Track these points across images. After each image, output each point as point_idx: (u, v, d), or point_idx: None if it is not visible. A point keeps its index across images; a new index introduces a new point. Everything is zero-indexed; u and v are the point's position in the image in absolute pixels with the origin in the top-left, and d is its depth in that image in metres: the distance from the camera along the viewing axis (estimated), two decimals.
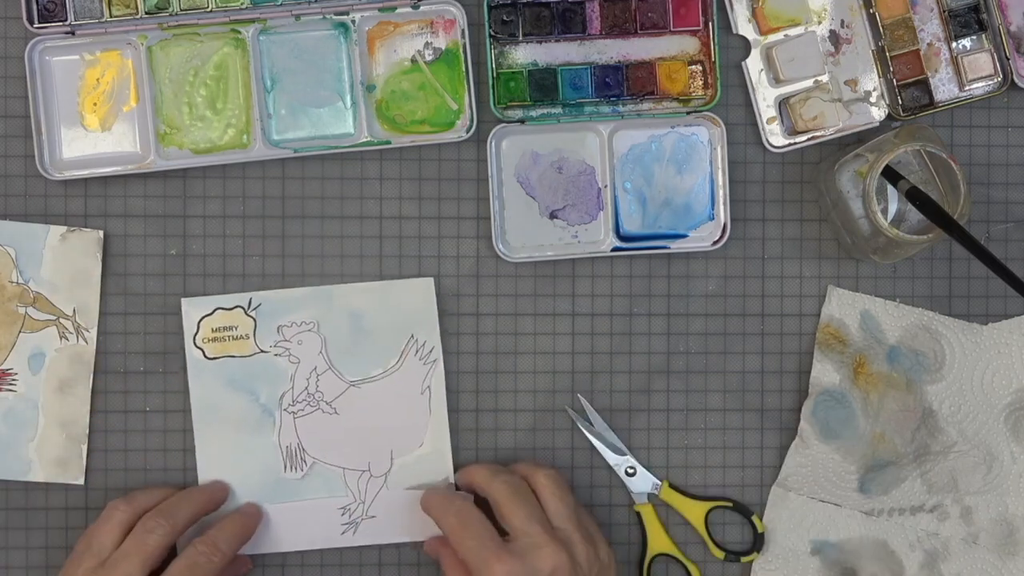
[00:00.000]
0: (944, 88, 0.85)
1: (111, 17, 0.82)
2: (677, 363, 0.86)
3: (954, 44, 0.84)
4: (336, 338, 0.84)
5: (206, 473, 0.84)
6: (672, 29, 0.84)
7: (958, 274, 0.87)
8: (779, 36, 0.85)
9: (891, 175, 0.79)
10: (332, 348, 0.84)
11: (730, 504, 0.86)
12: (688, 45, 0.85)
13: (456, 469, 0.85)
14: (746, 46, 0.85)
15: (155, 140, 0.83)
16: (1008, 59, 0.84)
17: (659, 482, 0.86)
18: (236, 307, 0.84)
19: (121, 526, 0.78)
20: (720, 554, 0.86)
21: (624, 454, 0.86)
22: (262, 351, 0.84)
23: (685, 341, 0.86)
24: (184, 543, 0.80)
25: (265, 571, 0.85)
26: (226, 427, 0.84)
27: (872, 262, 0.85)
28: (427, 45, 0.83)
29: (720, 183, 0.85)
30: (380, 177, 0.85)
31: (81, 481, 0.84)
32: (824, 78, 0.85)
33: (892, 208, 0.83)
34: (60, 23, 0.82)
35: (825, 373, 0.86)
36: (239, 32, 0.83)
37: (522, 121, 0.84)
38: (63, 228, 0.83)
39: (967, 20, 0.84)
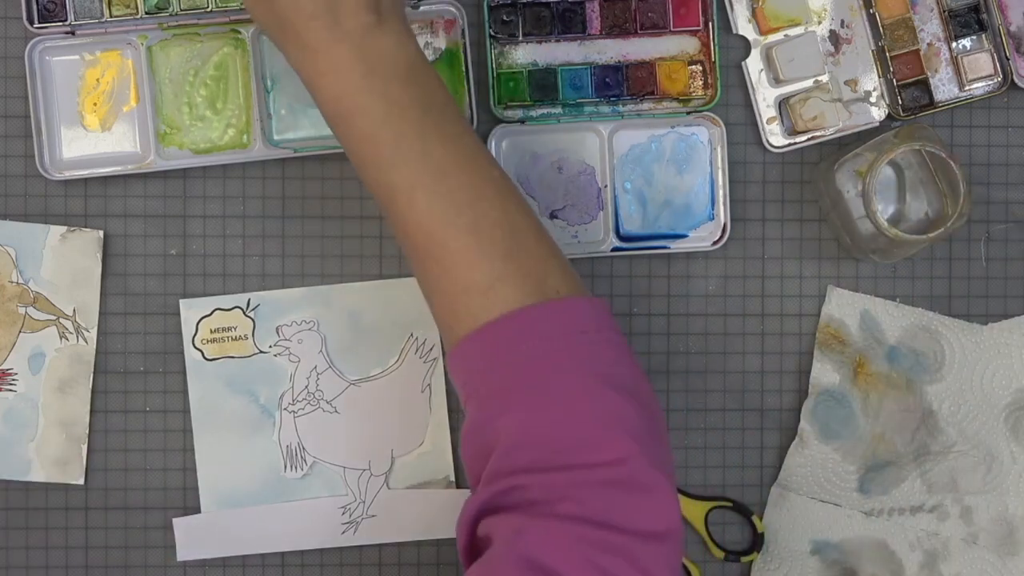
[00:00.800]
0: (944, 88, 0.85)
1: (111, 17, 0.82)
2: (677, 363, 0.86)
3: (954, 44, 0.84)
4: (336, 337, 0.84)
5: (206, 473, 0.84)
6: (672, 29, 0.84)
7: (958, 274, 0.87)
8: (779, 36, 0.85)
9: None
10: (332, 347, 0.84)
11: (730, 504, 0.86)
12: (688, 45, 0.85)
13: (456, 468, 0.85)
14: (746, 46, 0.85)
15: (155, 140, 0.83)
16: (1008, 59, 0.84)
17: None
18: (235, 308, 0.84)
19: None
20: (720, 554, 0.86)
21: None
22: (261, 352, 0.84)
23: (685, 341, 0.86)
24: None
25: (265, 571, 0.85)
26: (226, 428, 0.84)
27: (872, 262, 0.85)
28: (427, 45, 0.83)
29: (720, 183, 0.85)
30: None
31: (81, 481, 0.84)
32: (824, 78, 0.84)
33: (892, 208, 0.83)
34: (60, 23, 0.82)
35: (825, 373, 0.86)
36: (239, 32, 0.83)
37: (522, 121, 0.84)
38: (63, 228, 0.83)
39: (967, 20, 0.84)
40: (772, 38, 0.85)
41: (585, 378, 0.66)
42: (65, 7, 0.82)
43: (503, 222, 0.69)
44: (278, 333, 0.84)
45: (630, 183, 0.85)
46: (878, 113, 0.85)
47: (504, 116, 0.84)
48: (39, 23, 0.82)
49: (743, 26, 0.85)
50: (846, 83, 0.85)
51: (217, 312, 0.84)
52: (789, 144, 0.85)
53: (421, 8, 0.83)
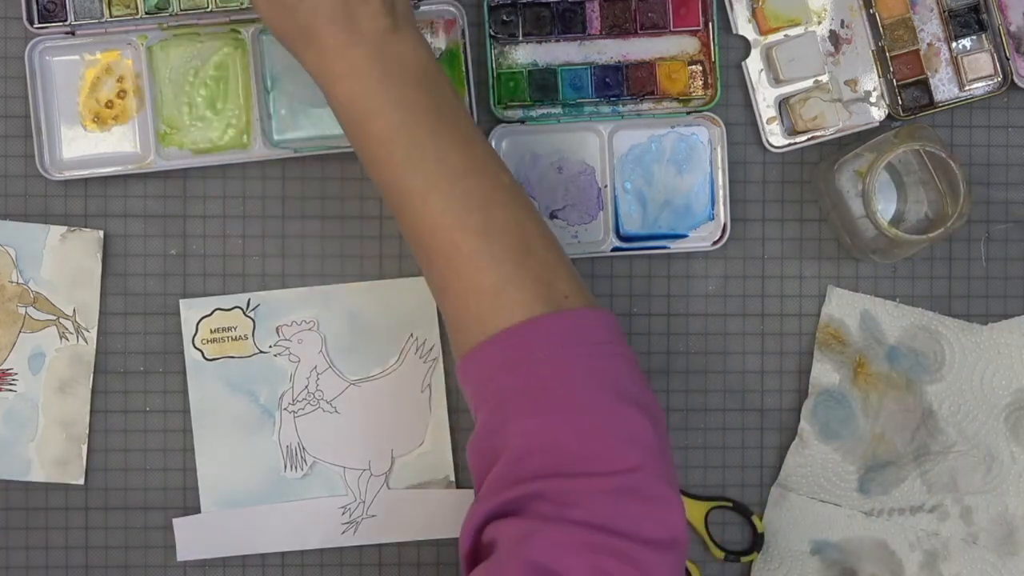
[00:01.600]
0: (944, 88, 0.85)
1: (111, 17, 0.82)
2: (677, 363, 0.86)
3: (954, 44, 0.84)
4: (336, 337, 0.84)
5: (206, 473, 0.84)
6: (672, 29, 0.84)
7: (958, 274, 0.87)
8: (779, 36, 0.85)
9: None
10: (332, 347, 0.84)
11: (730, 504, 0.86)
12: (688, 45, 0.85)
13: (456, 468, 0.85)
14: (746, 46, 0.85)
15: (155, 140, 0.83)
16: (1008, 59, 0.84)
17: None
18: (235, 308, 0.84)
19: None
20: (720, 554, 0.86)
21: None
22: (261, 352, 0.84)
23: (685, 341, 0.86)
24: None
25: (265, 571, 0.85)
26: (226, 428, 0.84)
27: (872, 262, 0.85)
28: None
29: (720, 183, 0.85)
30: None
31: (81, 481, 0.84)
32: (824, 78, 0.84)
33: (892, 208, 0.83)
34: (60, 23, 0.82)
35: (825, 373, 0.86)
36: (239, 32, 0.83)
37: (522, 121, 0.84)
38: (63, 228, 0.83)
39: (967, 20, 0.84)
40: (772, 38, 0.85)
41: (597, 390, 0.67)
42: (65, 7, 0.82)
43: (513, 226, 0.69)
44: (278, 333, 0.84)
45: (630, 183, 0.85)
46: (878, 113, 0.85)
47: (504, 116, 0.84)
48: (39, 23, 0.82)
49: (743, 26, 0.85)
50: (846, 83, 0.85)
51: (217, 312, 0.84)
52: (789, 144, 0.85)
53: (421, 8, 0.83)
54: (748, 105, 0.85)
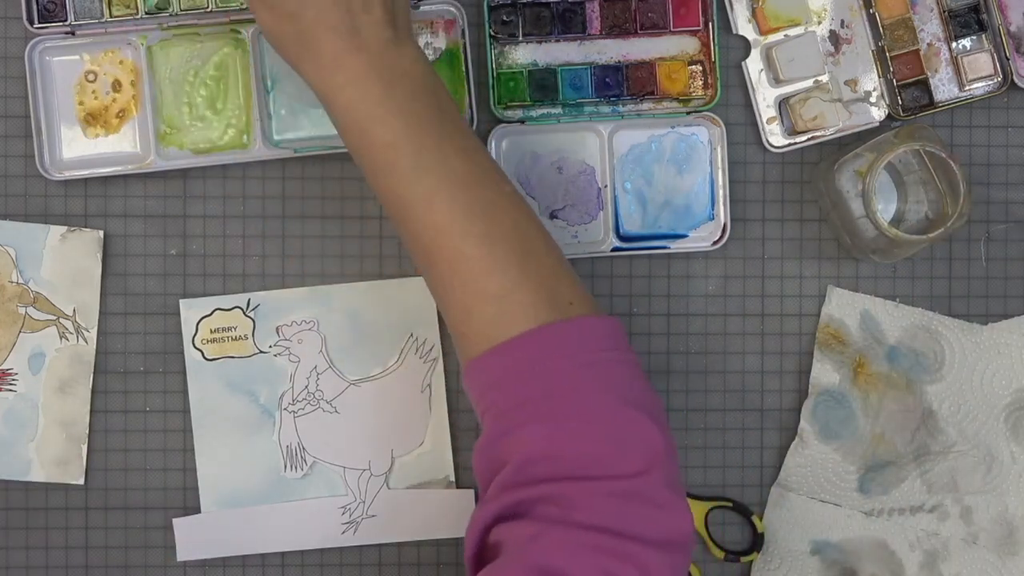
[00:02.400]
0: (944, 88, 0.85)
1: (111, 17, 0.82)
2: (677, 363, 0.86)
3: (954, 44, 0.84)
4: (336, 337, 0.84)
5: (206, 473, 0.84)
6: (672, 29, 0.84)
7: (958, 274, 0.87)
8: (779, 36, 0.85)
9: None
10: (332, 347, 0.84)
11: (730, 504, 0.86)
12: (688, 45, 0.85)
13: (457, 468, 0.85)
14: (746, 46, 0.85)
15: (155, 140, 0.83)
16: (1008, 59, 0.84)
17: None
18: (235, 308, 0.84)
19: None
20: (720, 554, 0.86)
21: None
22: (261, 352, 0.84)
23: (685, 341, 0.86)
24: None
25: (265, 571, 0.85)
26: (226, 428, 0.84)
27: (872, 262, 0.85)
28: (427, 45, 0.83)
29: (720, 183, 0.85)
30: None
31: (81, 481, 0.84)
32: (824, 78, 0.84)
33: (892, 208, 0.83)
34: (60, 23, 0.82)
35: (825, 373, 0.86)
36: (239, 32, 0.83)
37: (522, 121, 0.84)
38: (63, 228, 0.83)
39: (967, 20, 0.84)
40: (772, 38, 0.85)
41: (605, 396, 0.67)
42: (65, 7, 0.82)
43: (517, 233, 0.70)
44: (278, 333, 0.84)
45: (630, 183, 0.85)
46: (878, 113, 0.85)
47: (504, 116, 0.84)
48: (39, 23, 0.82)
49: (743, 26, 0.85)
50: (846, 83, 0.85)
51: (217, 312, 0.84)
52: (789, 144, 0.85)
53: (421, 8, 0.83)
54: (748, 105, 0.85)
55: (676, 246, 0.85)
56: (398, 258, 0.85)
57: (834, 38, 0.85)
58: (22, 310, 0.83)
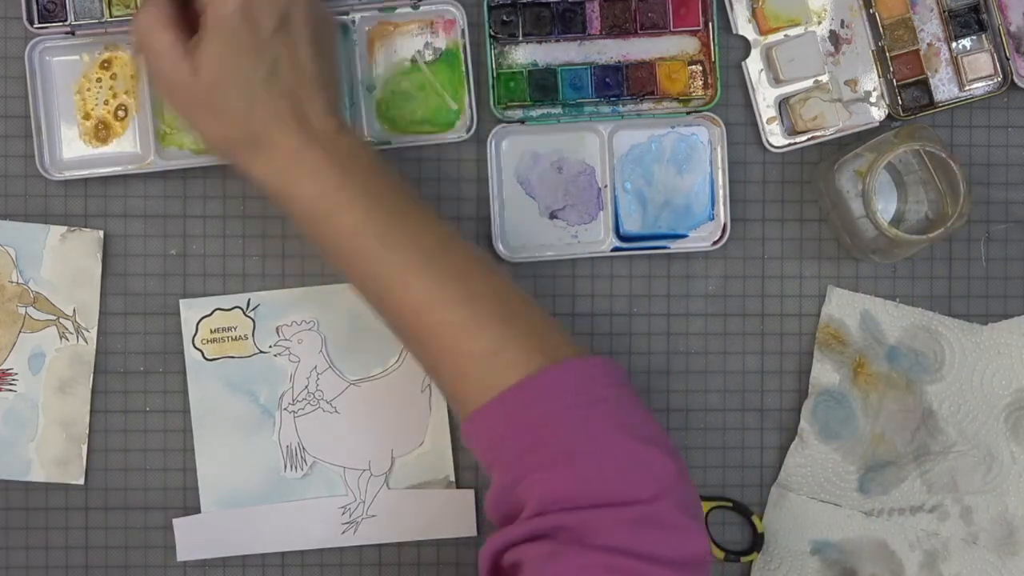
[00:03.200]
0: (944, 88, 0.85)
1: (111, 17, 0.82)
2: (677, 363, 0.86)
3: (954, 44, 0.84)
4: (336, 337, 0.84)
5: (206, 473, 0.84)
6: (672, 29, 0.84)
7: (958, 274, 0.87)
8: (779, 36, 0.85)
9: None
10: (332, 347, 0.84)
11: (730, 504, 0.86)
12: (688, 45, 0.85)
13: (456, 468, 0.85)
14: (746, 46, 0.85)
15: (155, 140, 0.83)
16: (1008, 59, 0.84)
17: None
18: (235, 308, 0.84)
19: None
20: (720, 554, 0.86)
21: None
22: (261, 352, 0.84)
23: (685, 341, 0.86)
24: None
25: (265, 571, 0.85)
26: (226, 428, 0.84)
27: (872, 262, 0.85)
28: (427, 45, 0.83)
29: (720, 183, 0.85)
30: None
31: (81, 481, 0.84)
32: (824, 78, 0.84)
33: (892, 208, 0.83)
34: (60, 23, 0.82)
35: (825, 373, 0.86)
36: None
37: (522, 121, 0.84)
38: (63, 228, 0.83)
39: (967, 20, 0.84)
40: (772, 38, 0.85)
41: (613, 432, 0.68)
42: (65, 7, 0.82)
43: (494, 291, 0.71)
44: (278, 333, 0.84)
45: (630, 183, 0.85)
46: (878, 113, 0.85)
47: (504, 116, 0.84)
48: (39, 23, 0.82)
49: (743, 26, 0.85)
50: (846, 83, 0.85)
51: (217, 312, 0.84)
52: (789, 144, 0.85)
53: (421, 8, 0.83)
54: (748, 105, 0.85)
55: (676, 246, 0.85)
56: None
57: (834, 38, 0.85)
58: (22, 310, 0.83)
